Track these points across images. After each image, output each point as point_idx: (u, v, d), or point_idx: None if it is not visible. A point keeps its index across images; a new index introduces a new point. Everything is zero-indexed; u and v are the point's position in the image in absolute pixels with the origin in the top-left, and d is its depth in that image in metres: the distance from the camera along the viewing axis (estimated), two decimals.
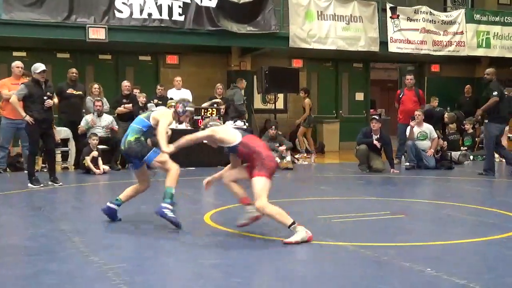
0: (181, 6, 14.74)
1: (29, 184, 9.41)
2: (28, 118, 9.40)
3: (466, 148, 14.64)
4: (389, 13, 17.09)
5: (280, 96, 17.21)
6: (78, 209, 8.18)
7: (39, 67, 9.48)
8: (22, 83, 10.01)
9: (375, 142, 12.04)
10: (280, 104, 17.41)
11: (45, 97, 9.47)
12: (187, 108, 6.75)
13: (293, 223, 5.55)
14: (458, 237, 5.96)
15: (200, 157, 12.80)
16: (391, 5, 17.14)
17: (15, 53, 15.36)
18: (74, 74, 12.81)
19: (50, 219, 6.75)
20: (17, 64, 11.60)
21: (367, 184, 10.67)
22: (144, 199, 7.38)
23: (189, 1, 14.77)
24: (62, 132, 12.45)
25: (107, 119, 12.59)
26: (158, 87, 14.07)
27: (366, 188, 10.18)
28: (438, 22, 17.74)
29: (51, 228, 6.27)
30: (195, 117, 13.07)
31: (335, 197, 8.89)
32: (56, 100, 10.09)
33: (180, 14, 14.75)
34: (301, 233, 5.51)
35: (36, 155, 10.14)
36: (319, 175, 12.30)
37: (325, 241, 5.64)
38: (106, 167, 11.65)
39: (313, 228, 6.23)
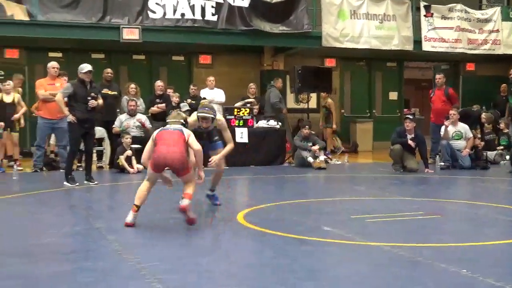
0: (214, 6, 14.81)
1: (65, 183, 9.54)
2: (70, 117, 9.51)
3: (502, 147, 14.41)
4: (423, 12, 16.93)
5: (313, 95, 17.16)
6: (113, 208, 8.27)
7: (85, 67, 9.58)
8: (68, 82, 10.11)
9: (409, 142, 11.92)
10: (313, 104, 17.33)
11: (89, 98, 9.57)
12: (198, 114, 6.98)
13: (137, 206, 6.28)
14: (494, 238, 5.88)
15: (233, 156, 12.85)
16: (425, 3, 16.97)
17: (51, 54, 15.59)
18: (109, 74, 12.93)
19: (85, 217, 6.83)
20: (52, 64, 11.75)
21: (401, 184, 10.58)
22: (177, 199, 7.42)
23: (222, 1, 14.83)
24: (97, 131, 12.57)
25: (140, 118, 12.65)
26: (191, 87, 14.13)
27: (400, 188, 10.09)
28: (473, 20, 17.51)
29: (86, 226, 6.33)
30: (228, 117, 13.14)
31: (369, 197, 8.83)
32: (100, 101, 10.05)
33: (213, 14, 14.82)
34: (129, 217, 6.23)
35: (76, 154, 10.24)
36: (352, 174, 12.24)
37: (359, 241, 5.60)
38: (140, 166, 11.69)
39: (347, 228, 6.22)
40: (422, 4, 16.94)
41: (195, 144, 6.39)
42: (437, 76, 13.87)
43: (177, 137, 6.39)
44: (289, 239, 5.70)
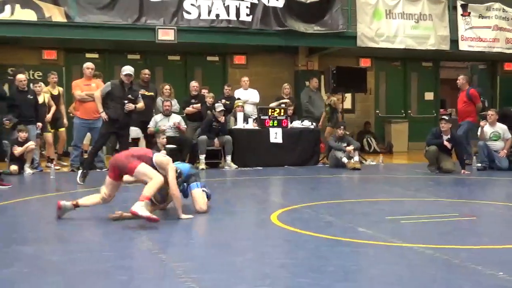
0: (249, 6, 14.82)
1: (78, 180, 9.75)
2: (103, 114, 9.72)
3: None
4: (460, 11, 16.71)
5: (348, 95, 17.10)
6: None
7: (125, 69, 9.70)
8: (110, 81, 10.24)
9: (445, 143, 11.79)
10: (347, 104, 17.30)
11: (125, 101, 9.69)
12: None
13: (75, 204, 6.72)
14: None
15: (267, 157, 12.88)
16: (462, 2, 16.76)
17: (87, 55, 15.81)
18: (147, 76, 13.05)
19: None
20: (87, 65, 11.90)
21: (437, 185, 10.47)
22: (212, 198, 7.45)
23: (257, 2, 14.84)
24: (132, 131, 12.69)
25: (175, 119, 12.74)
26: (226, 87, 14.18)
27: (436, 189, 9.98)
28: (511, 19, 17.23)
29: (121, 225, 6.38)
30: (262, 117, 13.15)
31: (404, 198, 8.76)
32: (140, 104, 10.09)
33: (247, 15, 14.84)
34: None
35: (98, 151, 10.39)
36: (387, 175, 12.14)
37: (393, 243, 5.56)
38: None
39: (381, 229, 6.18)
40: (459, 3, 16.72)
41: (172, 180, 6.56)
42: (458, 77, 13.72)
43: (138, 149, 6.77)
44: (323, 240, 5.68)
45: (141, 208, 6.12)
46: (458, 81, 13.52)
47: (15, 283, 4.27)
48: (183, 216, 6.50)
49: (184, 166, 7.24)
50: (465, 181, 10.93)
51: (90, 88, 11.58)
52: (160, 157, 6.74)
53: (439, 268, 4.73)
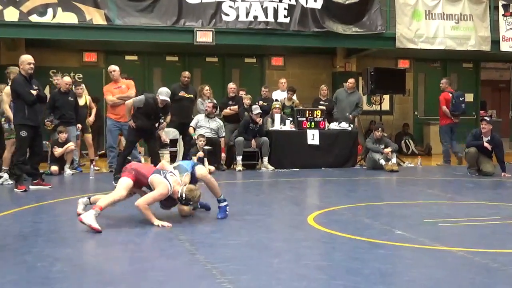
0: (287, 8, 14.81)
1: (113, 182, 9.73)
2: (131, 122, 9.87)
3: None
4: (501, 11, 16.44)
5: (386, 97, 16.97)
6: None
7: (162, 94, 9.71)
8: (144, 96, 10.10)
9: (485, 144, 11.62)
10: (385, 106, 17.17)
11: (161, 120, 10.09)
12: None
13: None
14: None
15: (304, 158, 12.87)
16: (504, 2, 16.48)
17: (127, 57, 16.02)
18: (186, 78, 13.13)
19: (156, 217, 6.94)
20: (110, 69, 12.07)
21: (477, 188, 10.32)
22: (249, 200, 7.48)
23: (295, 3, 14.82)
24: (170, 133, 12.82)
25: (217, 123, 12.71)
26: (263, 88, 14.20)
27: (476, 192, 9.83)
28: None
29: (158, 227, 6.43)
30: (300, 119, 13.14)
31: (442, 201, 8.65)
32: (168, 118, 10.94)
33: (285, 16, 14.82)
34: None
35: (127, 157, 10.52)
36: (425, 178, 12.02)
37: (432, 246, 5.50)
38: (212, 168, 11.82)
39: (419, 232, 6.12)
40: (500, 3, 16.45)
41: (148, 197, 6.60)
42: (441, 81, 14.40)
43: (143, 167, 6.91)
44: (360, 242, 5.66)
45: (89, 217, 6.14)
46: (440, 85, 14.17)
47: (56, 283, 4.34)
48: (157, 222, 6.37)
49: (187, 162, 7.29)
50: (505, 184, 10.76)
51: (120, 90, 11.74)
52: (155, 178, 6.63)
53: (478, 272, 4.67)
